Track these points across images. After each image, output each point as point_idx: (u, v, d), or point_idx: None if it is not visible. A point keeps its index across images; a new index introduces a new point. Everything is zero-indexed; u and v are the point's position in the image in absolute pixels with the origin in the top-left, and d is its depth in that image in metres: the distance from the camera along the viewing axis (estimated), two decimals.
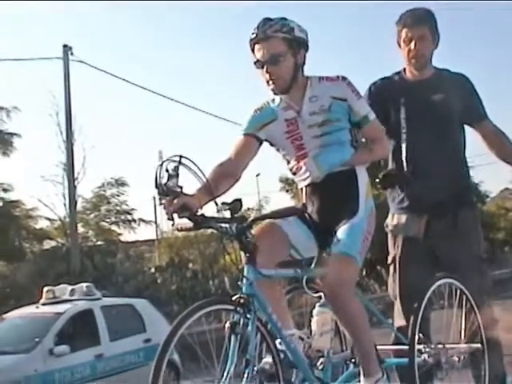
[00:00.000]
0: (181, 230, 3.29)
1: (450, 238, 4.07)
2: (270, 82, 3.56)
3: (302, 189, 3.74)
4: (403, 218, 4.21)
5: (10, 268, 23.92)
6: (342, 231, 3.47)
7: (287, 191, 30.72)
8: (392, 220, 4.28)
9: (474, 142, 4.38)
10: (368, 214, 3.57)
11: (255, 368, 3.17)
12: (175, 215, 3.18)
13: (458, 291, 3.82)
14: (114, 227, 27.73)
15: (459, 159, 4.31)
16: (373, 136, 3.67)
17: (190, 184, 3.20)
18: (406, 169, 4.13)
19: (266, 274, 3.29)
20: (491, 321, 4.03)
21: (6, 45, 39.98)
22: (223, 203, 3.20)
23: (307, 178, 3.62)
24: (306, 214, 3.66)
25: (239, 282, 3.16)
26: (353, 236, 3.46)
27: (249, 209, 29.74)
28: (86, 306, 11.95)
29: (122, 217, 27.47)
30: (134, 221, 27.28)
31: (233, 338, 3.02)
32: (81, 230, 25.65)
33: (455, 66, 4.42)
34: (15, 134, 24.35)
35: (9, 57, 32.89)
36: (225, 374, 2.95)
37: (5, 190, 24.42)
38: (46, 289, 12.44)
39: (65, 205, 23.83)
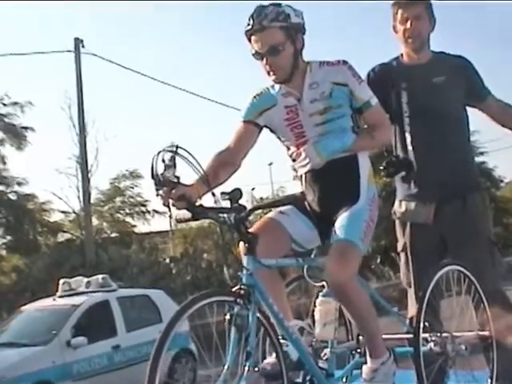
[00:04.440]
0: (180, 221, 3.24)
1: (459, 222, 4.04)
2: (271, 73, 3.49)
3: (301, 176, 3.64)
4: (411, 204, 4.17)
5: (25, 261, 24.02)
6: (343, 218, 3.40)
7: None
8: (400, 207, 4.24)
9: (487, 127, 4.36)
10: (370, 200, 3.51)
11: (256, 368, 3.15)
12: (173, 206, 3.13)
13: (465, 278, 3.78)
14: (128, 219, 27.83)
15: (464, 141, 4.29)
16: (375, 121, 3.59)
17: (187, 175, 3.17)
18: (410, 154, 4.10)
19: (267, 264, 3.25)
20: (504, 307, 3.98)
21: (17, 39, 40.03)
22: (222, 193, 3.15)
23: (307, 164, 3.54)
24: (306, 203, 3.59)
25: (239, 273, 3.12)
26: (354, 223, 3.39)
27: (262, 198, 29.71)
28: (102, 297, 12.02)
29: (136, 208, 27.53)
30: (149, 212, 27.33)
31: (233, 329, 2.97)
32: (95, 222, 25.72)
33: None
34: (29, 128, 24.46)
35: (20, 51, 32.81)
36: (225, 367, 2.91)
37: (19, 184, 24.53)
38: (62, 281, 12.51)
39: (79, 197, 23.91)
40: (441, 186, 4.05)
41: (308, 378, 3.37)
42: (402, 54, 4.31)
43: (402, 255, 4.26)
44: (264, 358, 3.39)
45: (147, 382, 2.71)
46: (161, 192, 3.11)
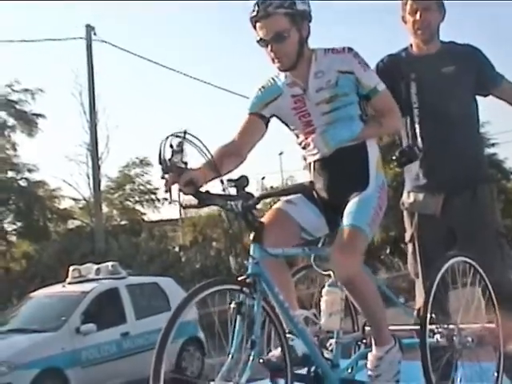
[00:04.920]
0: (185, 207, 3.23)
1: (467, 214, 4.03)
2: (276, 61, 3.44)
3: (310, 164, 3.60)
4: (420, 195, 4.15)
5: (35, 248, 24.12)
6: (351, 205, 3.37)
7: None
8: (408, 198, 4.22)
9: (498, 118, 4.32)
10: (379, 188, 3.47)
11: (261, 359, 3.15)
12: (180, 192, 3.10)
13: (473, 270, 3.75)
14: (138, 207, 27.91)
15: (474, 132, 4.26)
16: (383, 108, 3.53)
17: (192, 163, 3.13)
18: (420, 144, 4.08)
19: (273, 253, 3.22)
20: (505, 300, 3.90)
21: (29, 26, 40.05)
22: (229, 180, 3.11)
23: (316, 153, 3.51)
24: (314, 192, 3.54)
25: (245, 262, 3.09)
26: (362, 208, 3.35)
27: (272, 187, 29.71)
28: (111, 284, 12.08)
29: (146, 196, 27.62)
30: (158, 200, 27.40)
31: (238, 318, 2.94)
32: (105, 209, 25.80)
33: None
34: (40, 115, 24.52)
35: (32, 38, 32.85)
36: (229, 356, 2.89)
37: (29, 171, 24.60)
38: (71, 268, 12.56)
39: (89, 184, 23.98)
40: (450, 178, 4.04)
41: (313, 369, 3.35)
42: (411, 45, 4.27)
43: (410, 246, 4.26)
44: (270, 350, 3.36)
45: (153, 370, 2.70)
46: (167, 177, 3.07)
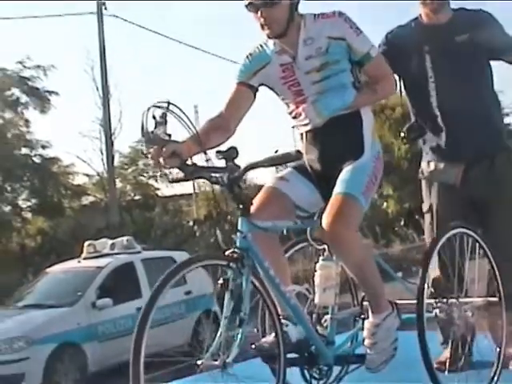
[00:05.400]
0: (173, 181, 3.14)
1: (486, 183, 3.96)
2: (265, 27, 3.26)
3: (302, 134, 3.45)
4: (440, 165, 4.08)
5: (50, 224, 24.25)
6: (344, 172, 3.23)
7: None
8: (428, 167, 4.15)
9: None
10: (375, 156, 3.35)
11: (253, 345, 3.08)
12: (164, 164, 2.99)
13: (473, 241, 3.63)
14: (151, 182, 27.95)
15: (491, 100, 4.17)
16: (376, 74, 3.38)
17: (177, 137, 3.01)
18: (438, 118, 4.02)
19: (262, 226, 3.10)
20: None
21: (39, 3, 39.96)
22: (218, 152, 2.99)
23: (308, 124, 3.37)
24: (307, 163, 3.41)
25: (233, 236, 2.98)
26: (356, 176, 3.22)
27: None
28: (126, 259, 12.13)
29: (160, 171, 27.65)
30: (172, 175, 27.41)
31: (226, 295, 2.83)
32: (119, 185, 25.86)
33: None
34: (52, 92, 24.51)
35: (42, 13, 32.79)
36: (218, 333, 2.80)
37: (43, 147, 24.63)
38: (86, 243, 12.60)
39: (102, 160, 24.03)
40: (469, 147, 3.97)
41: (308, 351, 3.22)
42: (420, 15, 4.13)
43: (427, 216, 4.19)
44: (264, 335, 3.26)
45: (132, 353, 2.61)
46: (151, 150, 2.98)
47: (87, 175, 26.35)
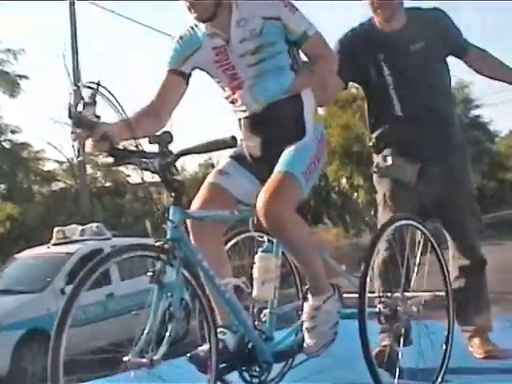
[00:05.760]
0: (101, 166, 3.00)
1: (440, 181, 3.97)
2: (192, 10, 3.07)
3: (239, 120, 3.28)
4: (399, 159, 4.05)
5: (19, 210, 24.06)
6: (285, 153, 3.08)
7: None
8: (385, 161, 4.12)
9: (484, 80, 4.21)
10: (317, 139, 3.18)
11: (189, 354, 2.94)
12: (94, 148, 2.83)
13: (420, 234, 3.55)
14: (122, 168, 27.81)
15: (448, 100, 4.18)
16: (314, 53, 3.20)
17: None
18: (401, 122, 3.96)
19: (196, 215, 2.99)
20: (475, 263, 3.97)
21: None
22: (151, 136, 2.83)
23: (245, 110, 3.20)
24: (246, 151, 3.26)
25: (163, 226, 2.82)
26: (296, 156, 3.06)
27: None
28: (96, 245, 12.05)
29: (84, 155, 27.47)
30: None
31: (155, 288, 2.69)
32: (89, 171, 25.70)
33: None
34: (22, 76, 24.30)
35: None
36: (146, 328, 2.64)
37: (13, 132, 24.45)
38: (56, 229, 12.54)
39: (73, 146, 23.81)
40: (427, 147, 3.96)
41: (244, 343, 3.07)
42: (372, 18, 4.02)
43: (380, 207, 4.16)
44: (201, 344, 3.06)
45: (51, 354, 2.49)
46: (78, 132, 2.79)
47: (58, 161, 26.14)
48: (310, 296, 3.12)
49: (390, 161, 4.05)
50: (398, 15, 3.93)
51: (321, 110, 16.01)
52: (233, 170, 3.27)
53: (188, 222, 3.05)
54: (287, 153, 3.09)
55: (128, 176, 27.75)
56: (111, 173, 27.24)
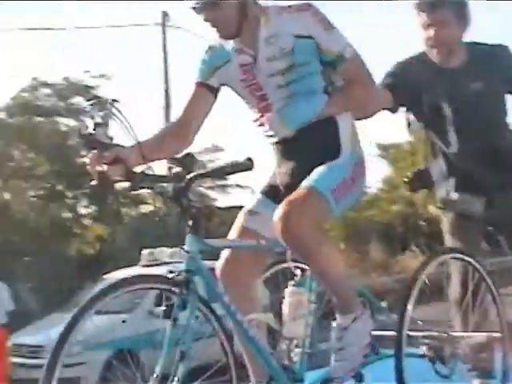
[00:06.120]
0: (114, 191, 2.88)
1: (506, 209, 3.83)
2: (215, 30, 2.89)
3: (272, 145, 3.07)
4: (464, 195, 3.86)
5: (108, 231, 24.47)
6: (314, 171, 2.85)
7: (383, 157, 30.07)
8: (447, 196, 3.93)
9: None
10: (353, 161, 2.93)
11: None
12: (107, 173, 2.65)
13: (474, 270, 3.30)
14: (208, 192, 28.03)
15: (508, 134, 3.98)
16: (350, 76, 2.94)
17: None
18: (456, 161, 3.84)
19: (216, 245, 2.82)
20: None
21: (105, 12, 40.60)
22: (172, 159, 2.71)
23: (274, 135, 3.00)
24: (278, 180, 3.02)
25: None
26: (325, 173, 2.82)
27: None
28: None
29: (218, 182, 27.69)
30: (230, 186, 27.48)
31: (168, 324, 2.55)
32: None
33: None
34: (114, 100, 24.75)
35: (108, 24, 33.35)
36: (157, 368, 2.51)
37: None
38: (145, 251, 12.60)
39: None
40: (489, 179, 3.82)
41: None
42: (425, 52, 3.86)
43: (446, 237, 3.97)
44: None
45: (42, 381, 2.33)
46: (90, 155, 2.64)
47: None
48: (337, 315, 2.91)
49: (454, 195, 3.90)
50: (457, 51, 3.77)
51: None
52: (262, 208, 3.05)
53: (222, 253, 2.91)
54: (316, 170, 2.87)
55: (214, 200, 28.06)
56: (200, 196, 27.54)
